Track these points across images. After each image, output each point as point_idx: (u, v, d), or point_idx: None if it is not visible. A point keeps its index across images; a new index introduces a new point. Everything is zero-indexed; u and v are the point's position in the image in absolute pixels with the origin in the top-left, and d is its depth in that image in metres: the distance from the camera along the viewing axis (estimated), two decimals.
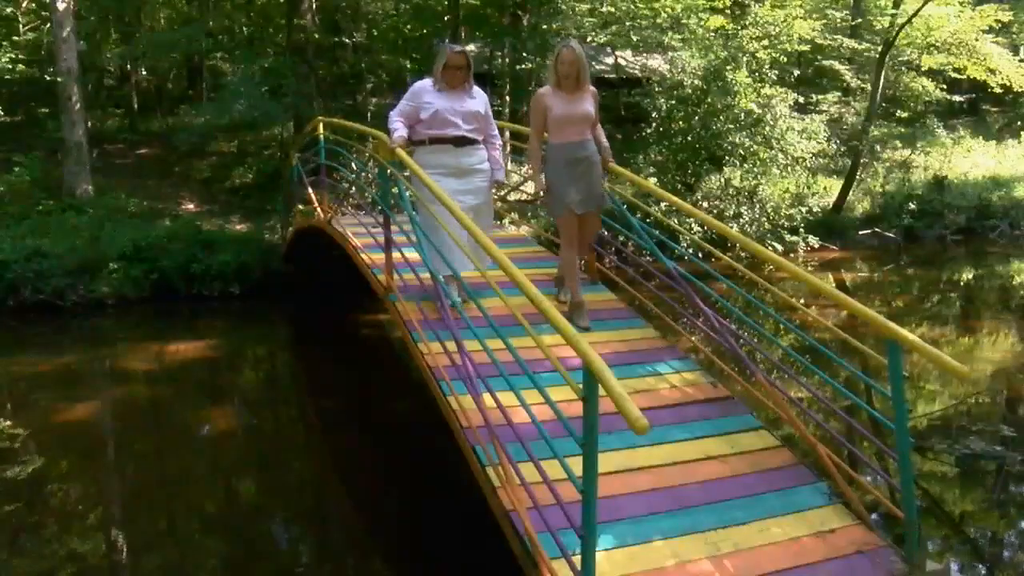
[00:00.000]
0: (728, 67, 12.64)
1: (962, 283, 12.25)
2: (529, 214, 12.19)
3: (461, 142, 4.81)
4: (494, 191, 5.38)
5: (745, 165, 13.11)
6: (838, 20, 17.91)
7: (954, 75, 17.39)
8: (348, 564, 4.49)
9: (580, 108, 4.66)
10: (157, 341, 8.63)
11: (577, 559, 2.70)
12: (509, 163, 13.79)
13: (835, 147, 16.08)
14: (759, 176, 13.11)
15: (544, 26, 14.33)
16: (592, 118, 4.73)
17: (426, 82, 4.87)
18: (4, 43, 13.91)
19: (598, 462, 2.61)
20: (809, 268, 12.15)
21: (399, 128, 4.80)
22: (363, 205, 7.83)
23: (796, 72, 16.08)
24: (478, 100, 4.91)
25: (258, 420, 6.88)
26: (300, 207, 9.21)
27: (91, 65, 16.77)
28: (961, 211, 15.25)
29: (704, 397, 4.22)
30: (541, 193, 4.86)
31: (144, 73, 18.47)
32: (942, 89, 18.18)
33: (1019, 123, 21.61)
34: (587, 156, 4.72)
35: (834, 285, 10.79)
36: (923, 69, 17.20)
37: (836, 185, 15.27)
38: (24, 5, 15.04)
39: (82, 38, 15.04)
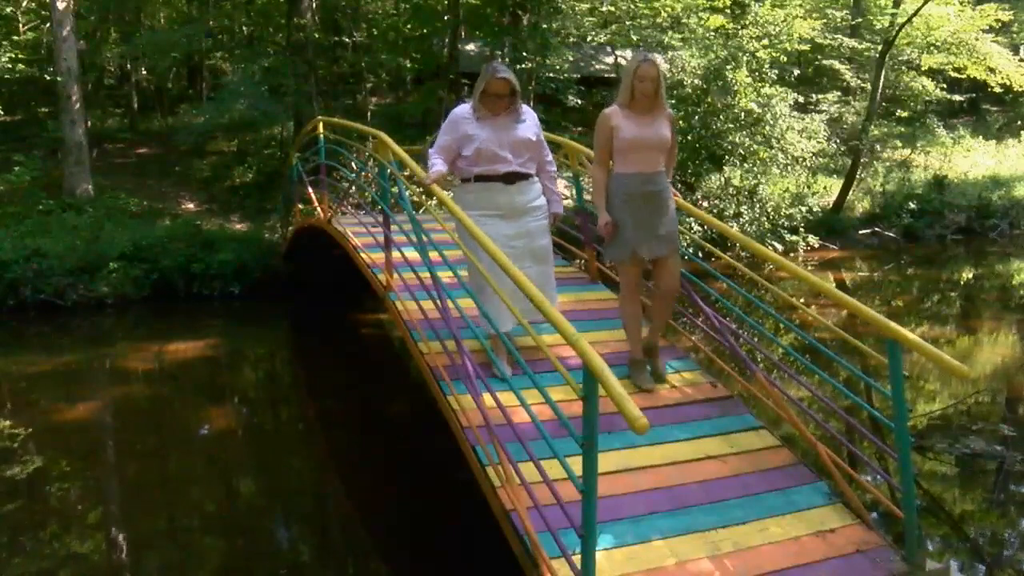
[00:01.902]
0: (728, 66, 12.64)
1: (962, 282, 12.25)
2: None
3: (513, 178, 4.10)
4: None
5: (745, 164, 13.12)
6: (838, 19, 17.92)
7: (954, 74, 17.40)
8: (348, 564, 4.49)
9: (654, 132, 3.99)
10: (157, 341, 8.63)
11: (577, 559, 2.70)
12: None
13: (835, 146, 16.09)
14: (759, 175, 13.12)
15: (544, 26, 14.33)
16: (667, 145, 4.07)
17: (464, 108, 4.14)
18: (4, 42, 13.91)
19: (598, 462, 2.61)
20: (809, 267, 12.15)
21: (437, 163, 4.12)
22: (363, 204, 7.84)
23: (796, 71, 16.08)
24: (528, 124, 4.15)
25: (258, 419, 6.88)
26: (300, 206, 9.21)
27: (91, 64, 16.78)
28: (961, 210, 15.25)
29: (704, 397, 4.23)
30: (604, 231, 4.07)
31: (144, 72, 18.47)
32: (942, 88, 18.18)
33: (1019, 123, 21.61)
34: (659, 191, 4.06)
35: (834, 284, 10.79)
36: (923, 68, 17.21)
37: (836, 184, 15.28)
38: (24, 4, 15.04)
39: (82, 37, 15.05)
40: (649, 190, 4.02)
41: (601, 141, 4.05)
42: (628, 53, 18.67)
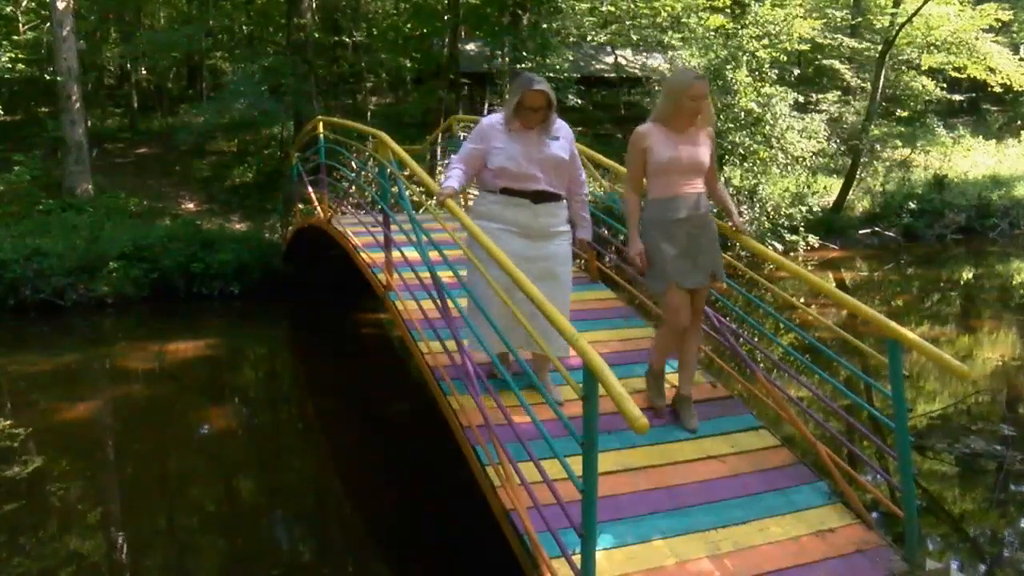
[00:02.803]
0: (728, 66, 12.64)
1: (962, 282, 12.25)
2: None
3: (540, 197, 3.79)
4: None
5: (745, 164, 13.12)
6: (838, 19, 17.92)
7: (954, 74, 17.41)
8: (348, 564, 4.49)
9: (691, 152, 3.65)
10: (157, 340, 8.63)
11: (577, 558, 2.70)
12: None
13: (835, 146, 16.09)
14: (759, 175, 13.11)
15: (544, 25, 14.33)
16: (705, 166, 3.72)
17: (495, 118, 3.86)
18: (4, 42, 13.90)
19: (598, 461, 2.61)
20: (809, 267, 12.15)
21: (453, 177, 3.79)
22: (363, 204, 7.83)
23: (796, 71, 16.08)
24: (562, 142, 3.83)
25: (258, 419, 6.88)
26: (300, 206, 9.21)
27: (91, 64, 16.79)
28: (961, 210, 15.25)
29: (704, 396, 4.22)
30: (638, 261, 3.72)
31: (144, 72, 18.48)
32: (942, 88, 18.19)
33: (1019, 122, 21.61)
34: (698, 215, 3.69)
35: (834, 284, 10.79)
36: (923, 68, 17.21)
37: (836, 184, 15.28)
38: (24, 4, 15.03)
39: (82, 37, 15.04)
40: (688, 215, 3.67)
41: (634, 163, 3.70)
42: (628, 53, 18.70)
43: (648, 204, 3.74)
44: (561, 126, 3.87)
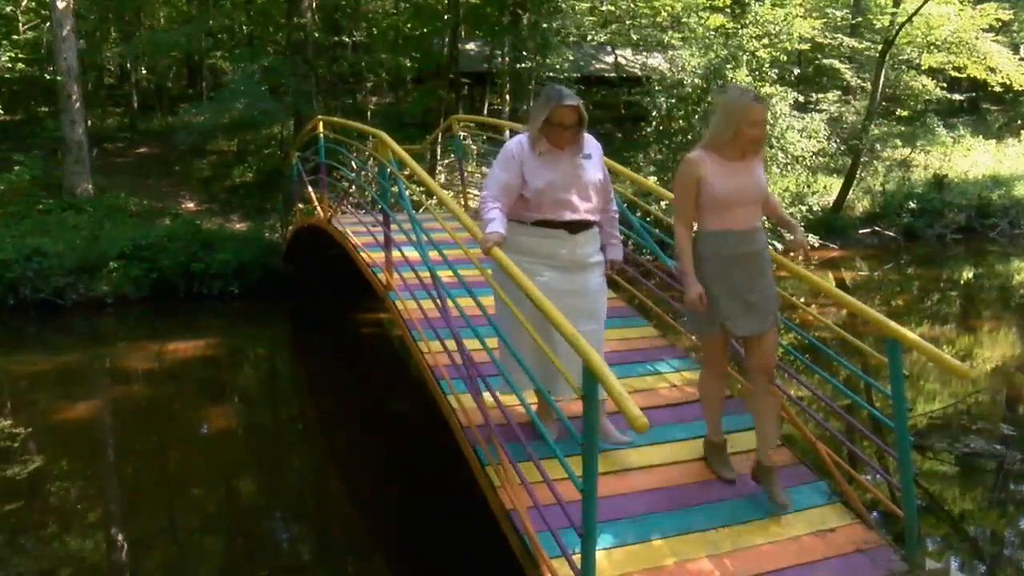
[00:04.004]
0: (728, 66, 12.62)
1: (962, 282, 12.24)
2: None
3: (578, 227, 3.43)
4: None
5: None
6: (838, 19, 17.91)
7: (954, 74, 17.41)
8: (348, 564, 4.49)
9: (752, 181, 3.28)
10: (157, 340, 8.62)
11: (577, 558, 2.70)
12: None
13: (835, 146, 16.07)
14: None
15: (544, 25, 14.32)
16: (765, 195, 3.37)
17: (521, 141, 3.44)
18: (4, 42, 13.89)
19: (598, 461, 2.61)
20: (809, 267, 12.14)
21: (496, 217, 3.30)
22: (363, 204, 7.84)
23: (796, 71, 16.07)
24: (594, 160, 3.48)
25: (258, 419, 6.88)
26: (300, 206, 9.21)
27: (91, 64, 16.77)
28: (961, 210, 15.25)
29: None
30: (694, 306, 3.27)
31: (144, 72, 18.47)
32: (942, 88, 18.18)
33: (1019, 122, 21.61)
34: (756, 252, 3.32)
35: (834, 284, 10.79)
36: (923, 68, 17.21)
37: (836, 184, 15.27)
38: (24, 4, 15.02)
39: (82, 37, 15.04)
40: (745, 252, 3.28)
41: (685, 195, 3.30)
42: (628, 52, 18.69)
43: (699, 238, 3.33)
44: (590, 142, 3.51)
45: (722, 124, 3.24)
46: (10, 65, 13.14)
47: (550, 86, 3.44)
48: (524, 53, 14.36)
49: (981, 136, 20.21)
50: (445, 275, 4.17)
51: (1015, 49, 19.47)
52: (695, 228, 3.36)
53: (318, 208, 7.89)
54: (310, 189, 8.37)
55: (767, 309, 3.32)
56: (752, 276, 3.30)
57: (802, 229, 3.47)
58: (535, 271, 3.32)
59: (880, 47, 15.12)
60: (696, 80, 12.85)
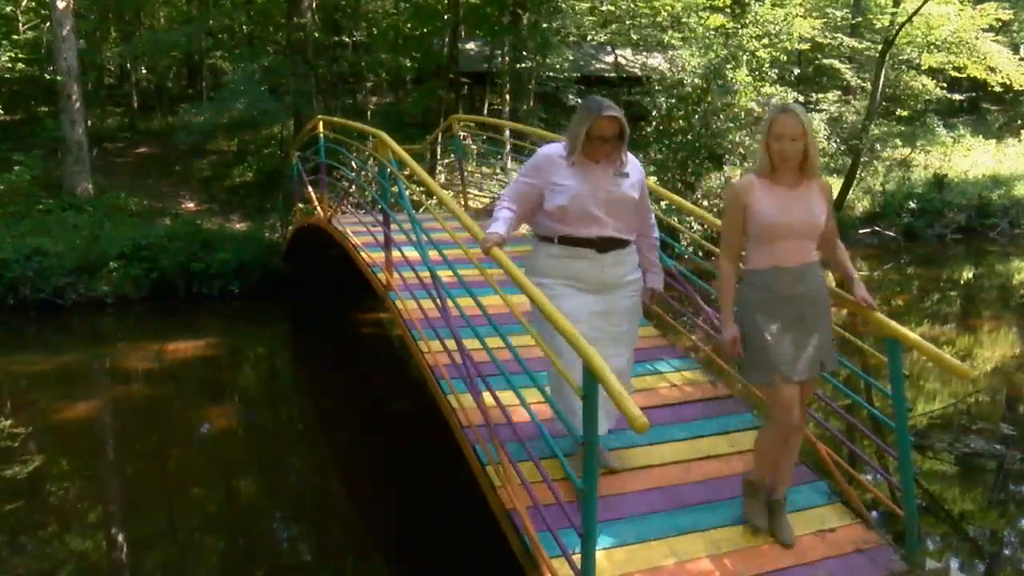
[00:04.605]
0: (728, 66, 12.64)
1: (962, 282, 12.25)
2: None
3: (607, 245, 3.20)
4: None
5: (745, 164, 13.12)
6: (838, 19, 17.93)
7: (954, 74, 17.43)
8: (348, 564, 4.49)
9: (804, 211, 2.96)
10: (157, 340, 8.63)
11: (577, 558, 2.70)
12: (510, 161, 13.82)
13: (835, 146, 16.09)
14: None
15: (544, 25, 14.33)
16: (821, 229, 3.02)
17: (555, 149, 3.24)
18: (4, 41, 13.90)
19: (598, 461, 2.60)
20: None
21: (500, 220, 3.22)
22: (363, 204, 7.84)
23: (796, 71, 16.09)
24: (632, 178, 3.24)
25: (258, 419, 6.88)
26: (300, 206, 9.21)
27: (91, 64, 16.78)
28: (961, 209, 15.26)
29: (704, 396, 4.23)
30: (730, 349, 3.06)
31: (144, 72, 18.47)
32: (942, 88, 18.19)
33: (1019, 122, 21.62)
34: (812, 290, 3.03)
35: (834, 283, 10.79)
36: (923, 68, 17.22)
37: (836, 184, 15.25)
38: (24, 3, 15.02)
39: (82, 37, 15.04)
40: (799, 290, 2.98)
41: (732, 224, 3.01)
42: (628, 52, 18.69)
43: (748, 276, 3.05)
44: (634, 164, 3.27)
45: (761, 144, 2.99)
46: (10, 65, 13.14)
47: (589, 98, 3.18)
48: (524, 53, 14.37)
49: (981, 136, 20.22)
50: (445, 275, 4.17)
51: (1015, 49, 19.49)
52: (747, 263, 3.06)
53: (318, 208, 7.89)
54: (310, 189, 8.37)
55: (823, 354, 3.04)
56: (807, 318, 2.99)
57: (864, 286, 3.19)
58: (560, 295, 3.12)
59: (880, 47, 15.13)
60: (696, 80, 12.87)
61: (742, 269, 3.07)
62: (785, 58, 14.47)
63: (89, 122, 13.57)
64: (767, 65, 13.32)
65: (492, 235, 3.16)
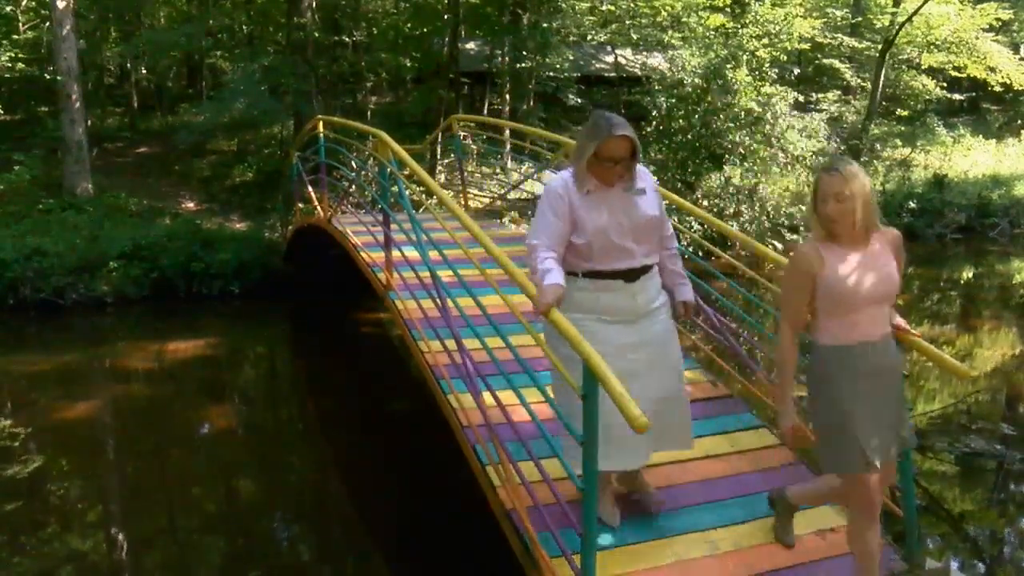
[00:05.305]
0: (728, 65, 12.63)
1: (962, 281, 12.25)
2: (529, 212, 12.19)
3: (635, 275, 2.97)
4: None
5: (745, 163, 13.12)
6: (838, 18, 17.94)
7: (954, 73, 17.45)
8: (348, 564, 4.49)
9: (879, 276, 2.62)
10: (157, 340, 8.63)
11: (577, 558, 2.70)
12: (509, 161, 13.81)
13: (835, 145, 16.08)
14: (759, 174, 13.12)
15: (544, 24, 14.33)
16: (898, 288, 2.73)
17: (564, 180, 2.95)
18: (4, 41, 13.90)
19: (598, 461, 2.60)
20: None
21: (553, 268, 2.81)
22: (363, 203, 7.83)
23: (796, 70, 16.09)
24: (649, 194, 2.99)
25: (258, 419, 6.88)
26: (300, 205, 9.21)
27: (91, 63, 16.78)
28: (961, 209, 15.25)
29: (704, 395, 4.22)
30: (788, 439, 2.79)
31: (144, 72, 18.47)
32: (942, 87, 18.21)
33: (1019, 121, 21.62)
34: (891, 363, 2.70)
35: None
36: (923, 67, 17.24)
37: None
38: (24, 3, 15.03)
39: (82, 36, 15.04)
40: (879, 364, 2.64)
41: (796, 295, 2.65)
42: (628, 52, 18.70)
43: (822, 352, 2.67)
44: (643, 173, 3.01)
45: (808, 204, 2.70)
46: (10, 65, 13.15)
47: (597, 114, 2.91)
48: (524, 53, 14.37)
49: (981, 136, 20.22)
50: (445, 275, 4.17)
51: (1015, 49, 19.50)
52: (820, 336, 2.69)
53: (318, 208, 7.89)
54: (310, 189, 8.37)
55: (900, 429, 2.71)
56: (888, 392, 2.66)
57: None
58: (590, 329, 2.82)
59: (880, 47, 15.15)
60: (696, 80, 12.86)
61: (816, 344, 2.70)
62: (785, 58, 14.47)
63: (89, 122, 13.57)
64: (767, 65, 13.31)
65: (552, 287, 2.74)
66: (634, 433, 2.41)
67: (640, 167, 3.00)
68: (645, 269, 3.00)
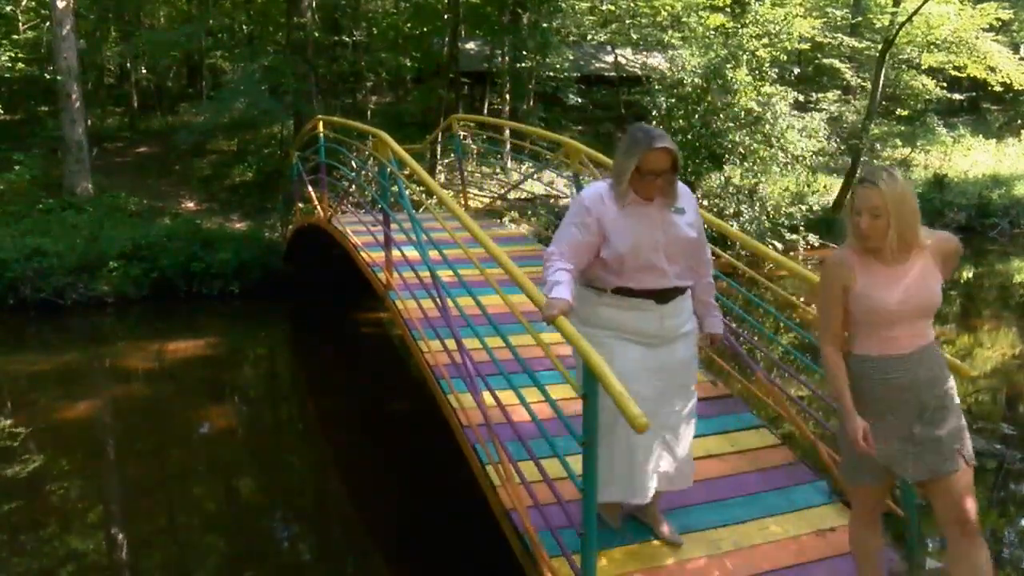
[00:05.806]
0: (728, 65, 12.63)
1: (962, 281, 12.24)
2: (529, 212, 12.19)
3: (667, 296, 2.85)
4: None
5: (745, 163, 13.12)
6: (838, 18, 17.94)
7: (954, 73, 17.43)
8: (348, 564, 4.49)
9: (920, 287, 2.47)
10: (157, 340, 8.63)
11: (577, 558, 2.70)
12: (509, 161, 13.81)
13: (835, 145, 16.10)
14: (759, 174, 13.12)
15: (544, 24, 14.33)
16: (938, 303, 2.53)
17: (600, 190, 2.84)
18: (4, 41, 13.90)
19: (598, 460, 2.60)
20: (809, 266, 12.14)
21: (563, 281, 2.71)
22: (363, 203, 7.83)
23: (796, 70, 16.09)
24: (689, 215, 2.88)
25: (258, 419, 6.88)
26: (300, 205, 9.21)
27: (91, 63, 16.77)
28: (961, 209, 15.26)
29: (704, 395, 4.21)
30: (858, 445, 2.45)
31: (144, 71, 18.47)
32: (942, 87, 18.20)
33: (1019, 121, 21.62)
34: (933, 377, 2.52)
35: None
36: (923, 67, 17.23)
37: (836, 183, 15.28)
38: (24, 3, 15.02)
39: (82, 36, 15.03)
40: (917, 378, 2.48)
41: (830, 306, 2.53)
42: (628, 52, 18.70)
43: (855, 364, 2.53)
44: (685, 194, 2.90)
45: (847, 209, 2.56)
46: (10, 65, 13.14)
47: (636, 127, 2.81)
48: (524, 53, 14.37)
49: (981, 136, 20.22)
50: (445, 275, 4.17)
51: (1015, 49, 19.48)
52: (851, 344, 2.58)
53: (318, 208, 7.89)
54: (310, 189, 8.37)
55: (949, 446, 2.49)
56: (927, 406, 2.49)
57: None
58: (614, 348, 2.77)
59: (880, 47, 15.12)
60: (696, 80, 12.86)
61: (850, 353, 2.56)
62: (785, 58, 14.47)
63: (89, 122, 13.56)
64: (767, 65, 13.31)
65: (558, 300, 2.65)
66: (637, 466, 2.57)
67: (684, 187, 2.90)
68: (678, 291, 2.88)
